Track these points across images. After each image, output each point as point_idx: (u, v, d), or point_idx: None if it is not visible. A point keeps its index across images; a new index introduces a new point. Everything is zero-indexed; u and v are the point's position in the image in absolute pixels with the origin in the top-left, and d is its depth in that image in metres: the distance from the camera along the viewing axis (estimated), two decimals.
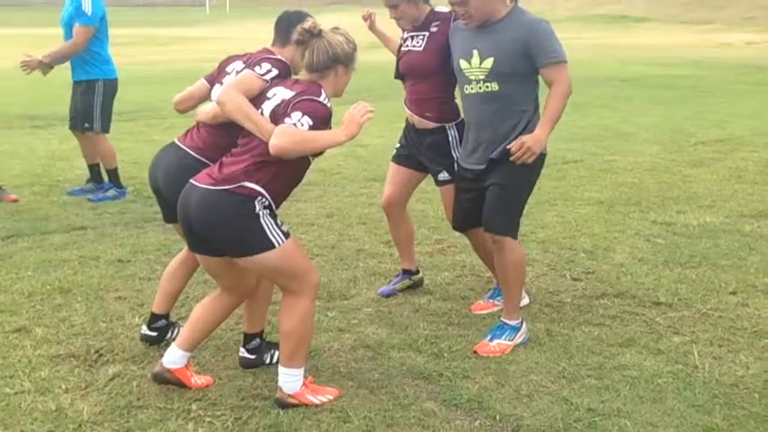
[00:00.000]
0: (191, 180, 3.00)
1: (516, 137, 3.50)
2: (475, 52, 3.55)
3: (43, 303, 4.05)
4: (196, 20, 43.68)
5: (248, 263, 2.95)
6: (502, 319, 3.65)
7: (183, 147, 3.35)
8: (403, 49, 3.99)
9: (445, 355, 3.50)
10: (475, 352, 3.51)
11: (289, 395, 3.01)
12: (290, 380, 3.02)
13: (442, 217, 4.94)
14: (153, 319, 3.57)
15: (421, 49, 3.87)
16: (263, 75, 3.07)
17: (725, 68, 18.71)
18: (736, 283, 4.37)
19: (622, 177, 7.06)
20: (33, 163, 7.69)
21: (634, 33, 34.87)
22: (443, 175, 3.95)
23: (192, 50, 26.00)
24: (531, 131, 3.51)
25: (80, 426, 2.87)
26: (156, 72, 16.27)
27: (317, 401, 3.02)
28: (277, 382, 3.05)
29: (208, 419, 2.92)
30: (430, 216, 5.69)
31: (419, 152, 4.01)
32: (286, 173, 2.97)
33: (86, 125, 6.28)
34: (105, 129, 6.35)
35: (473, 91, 3.59)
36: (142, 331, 3.59)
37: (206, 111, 3.30)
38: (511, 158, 3.43)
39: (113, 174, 6.44)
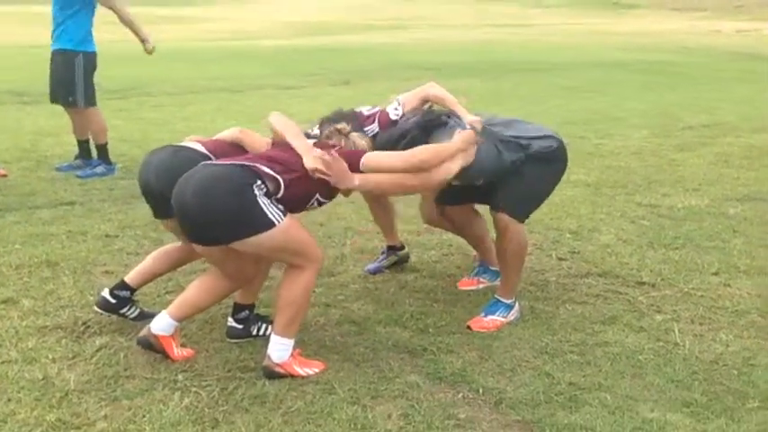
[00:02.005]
0: (201, 163, 3.06)
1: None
2: None
3: (31, 276, 4.07)
4: (189, 0, 43.32)
5: (249, 245, 2.95)
6: (496, 296, 3.70)
7: (179, 144, 3.38)
8: None
9: (430, 330, 3.53)
10: (469, 327, 3.55)
11: (276, 364, 3.04)
12: (280, 348, 3.05)
13: None
14: (119, 287, 3.50)
15: None
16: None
17: (715, 55, 18.79)
18: (719, 264, 4.42)
19: (610, 160, 7.11)
20: (21, 138, 7.67)
21: (625, 19, 34.88)
22: None
23: (184, 30, 25.86)
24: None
25: (67, 394, 2.90)
26: None
27: (303, 373, 3.06)
28: (266, 351, 3.08)
29: (194, 390, 2.95)
30: (418, 196, 5.71)
31: None
32: (304, 184, 3.06)
33: (70, 99, 6.27)
34: (91, 102, 6.33)
35: None
36: (102, 293, 3.51)
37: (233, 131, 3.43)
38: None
39: (102, 149, 6.42)
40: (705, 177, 6.50)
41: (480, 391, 3.01)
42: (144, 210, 5.26)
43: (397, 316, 3.67)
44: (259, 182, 2.94)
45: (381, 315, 3.68)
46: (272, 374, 3.04)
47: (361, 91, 11.65)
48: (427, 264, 4.43)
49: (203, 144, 3.33)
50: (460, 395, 2.98)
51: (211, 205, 2.89)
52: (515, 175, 3.56)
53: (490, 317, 3.61)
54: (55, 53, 6.29)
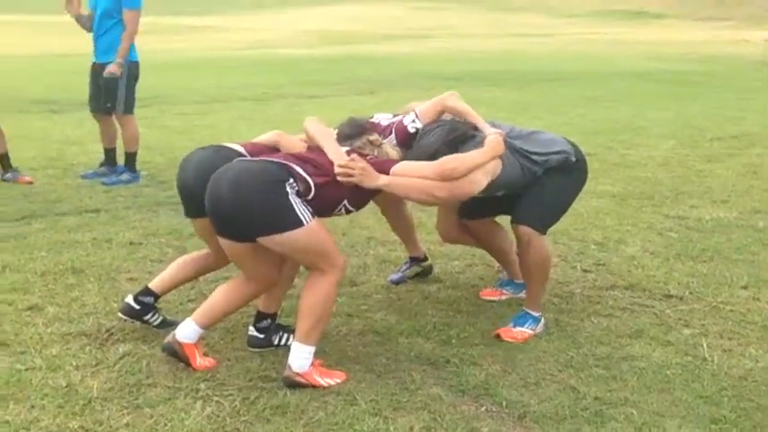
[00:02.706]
0: (236, 159, 3.12)
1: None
2: None
3: (56, 283, 4.09)
4: (211, 9, 43.75)
5: (275, 242, 2.96)
6: (524, 309, 3.67)
7: (220, 144, 3.42)
8: None
9: (453, 341, 3.50)
10: (498, 335, 3.53)
11: (297, 374, 3.02)
12: (301, 356, 3.03)
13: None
14: (143, 293, 3.52)
15: None
16: None
17: (741, 65, 18.59)
18: (748, 278, 4.34)
19: (636, 171, 7.03)
20: (48, 146, 7.76)
21: (651, 29, 34.66)
22: None
23: (206, 39, 26.11)
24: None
25: (90, 402, 2.90)
26: (170, 60, 16.34)
27: (324, 383, 3.04)
28: (287, 360, 3.07)
29: (216, 399, 2.94)
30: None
31: None
32: (333, 189, 3.09)
33: (108, 105, 6.31)
34: (129, 110, 6.41)
35: None
36: (126, 299, 3.54)
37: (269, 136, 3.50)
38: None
39: (132, 158, 6.48)
40: (734, 189, 6.40)
41: (504, 404, 2.97)
42: (168, 218, 5.32)
43: (420, 327, 3.64)
44: (291, 180, 2.97)
45: (404, 326, 3.66)
46: (292, 384, 3.02)
47: (385, 100, 11.64)
48: (450, 274, 4.40)
49: (242, 145, 3.37)
50: (483, 408, 2.95)
51: (244, 199, 2.92)
52: (536, 187, 3.55)
53: (519, 328, 3.58)
54: (100, 65, 6.29)
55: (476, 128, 3.50)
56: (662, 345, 3.50)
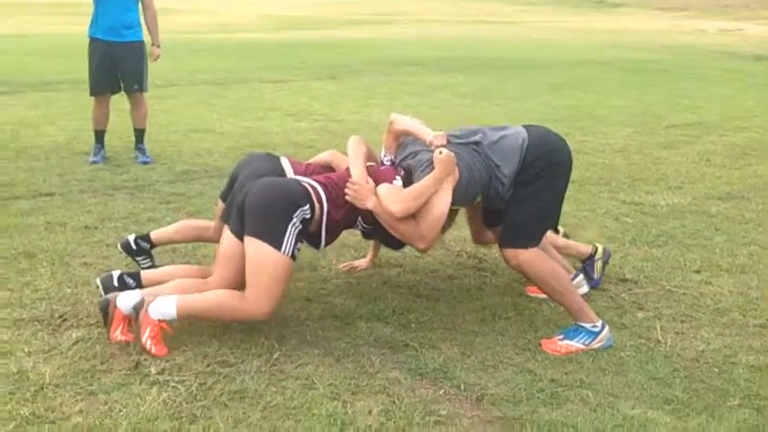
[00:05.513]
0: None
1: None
2: None
3: (7, 267, 4.00)
4: None
5: (251, 246, 3.12)
6: (574, 322, 3.39)
7: (279, 157, 3.73)
8: None
9: (412, 325, 3.51)
10: (540, 344, 3.34)
11: (147, 314, 3.09)
12: (163, 308, 3.10)
13: None
14: (144, 238, 3.91)
15: None
16: None
17: (698, 54, 18.91)
18: (701, 262, 4.43)
19: (594, 158, 7.12)
20: (0, 128, 7.55)
21: (611, 18, 35.04)
22: None
23: (164, 22, 25.69)
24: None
25: (42, 388, 2.84)
26: None
27: (144, 339, 3.08)
28: (155, 302, 3.12)
29: (172, 384, 2.91)
30: None
31: None
32: (349, 210, 3.33)
33: (136, 86, 6.46)
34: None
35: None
36: (130, 236, 3.94)
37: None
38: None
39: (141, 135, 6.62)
40: (688, 175, 6.53)
41: (462, 387, 2.99)
42: (124, 202, 5.23)
43: (379, 311, 3.65)
44: (307, 207, 3.18)
45: (363, 310, 3.65)
46: (132, 312, 3.17)
47: (346, 86, 11.60)
48: (410, 259, 4.41)
49: (293, 165, 3.65)
50: (442, 391, 2.96)
51: (260, 202, 3.15)
52: (508, 205, 3.41)
53: (566, 341, 3.34)
54: (129, 45, 6.36)
55: (415, 153, 3.46)
56: (617, 328, 3.55)
